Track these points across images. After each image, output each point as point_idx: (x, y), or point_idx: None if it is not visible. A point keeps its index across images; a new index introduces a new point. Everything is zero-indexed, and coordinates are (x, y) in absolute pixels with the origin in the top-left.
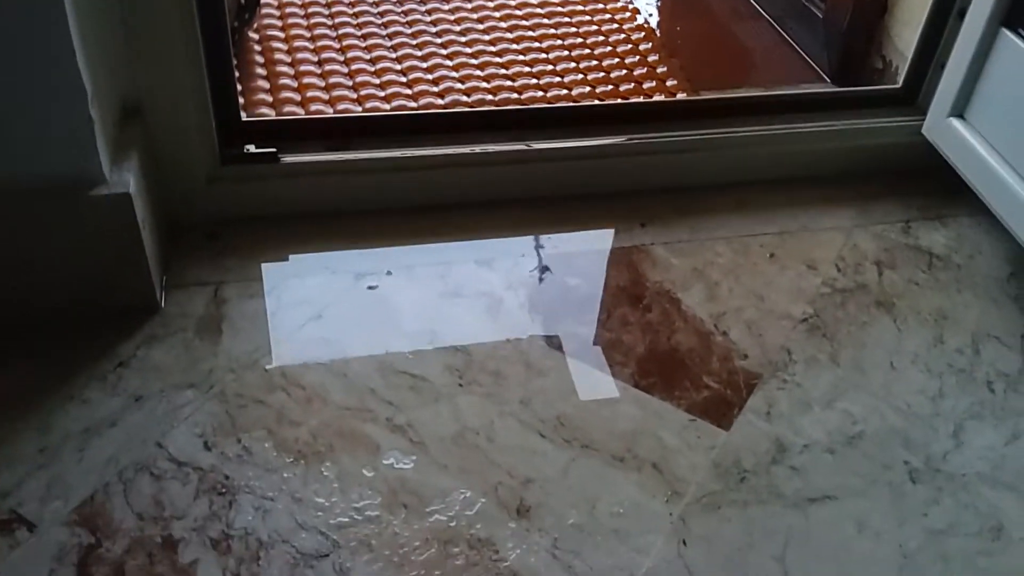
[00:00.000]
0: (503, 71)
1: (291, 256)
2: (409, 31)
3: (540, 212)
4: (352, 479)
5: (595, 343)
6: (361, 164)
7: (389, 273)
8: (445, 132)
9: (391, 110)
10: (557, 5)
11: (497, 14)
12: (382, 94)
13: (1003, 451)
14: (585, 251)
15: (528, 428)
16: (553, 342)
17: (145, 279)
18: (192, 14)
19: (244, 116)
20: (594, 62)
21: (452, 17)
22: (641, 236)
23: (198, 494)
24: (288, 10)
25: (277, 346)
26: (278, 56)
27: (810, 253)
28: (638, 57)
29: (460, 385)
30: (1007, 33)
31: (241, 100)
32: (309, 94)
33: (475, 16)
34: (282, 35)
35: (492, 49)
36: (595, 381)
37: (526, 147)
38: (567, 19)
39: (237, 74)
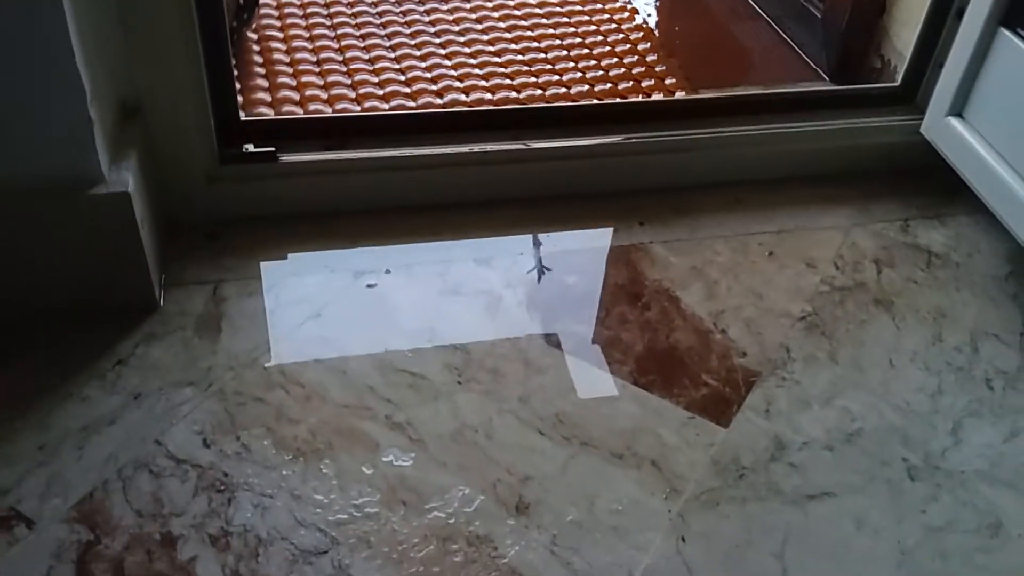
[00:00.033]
0: (501, 70)
1: (290, 255)
2: (407, 31)
3: (538, 211)
4: (351, 476)
5: (594, 341)
6: (360, 163)
7: (388, 272)
8: (444, 131)
9: (390, 109)
10: (555, 5)
11: (495, 14)
12: (380, 93)
13: (1001, 448)
14: (584, 249)
15: (527, 426)
16: (552, 340)
17: (144, 278)
18: (191, 14)
19: (243, 116)
20: (592, 61)
21: (450, 17)
22: (640, 234)
23: (197, 491)
24: (287, 10)
25: (276, 344)
26: (277, 56)
27: (809, 251)
28: (636, 56)
29: (459, 383)
30: (1005, 32)
31: (240, 100)
32: (308, 93)
33: (473, 16)
34: (281, 35)
35: (491, 49)
36: (594, 379)
37: (524, 146)
38: (565, 19)
39: (236, 74)
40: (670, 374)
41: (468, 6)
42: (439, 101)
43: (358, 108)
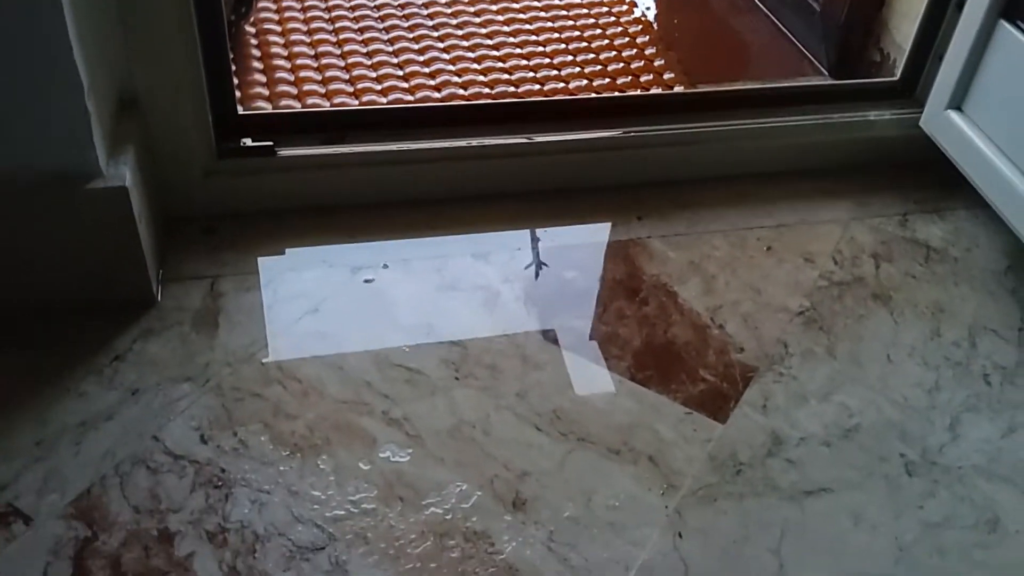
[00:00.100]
0: (500, 64)
1: (287, 250)
2: (406, 24)
3: (536, 205)
4: (348, 472)
5: (591, 337)
6: (357, 157)
7: (385, 267)
8: (442, 125)
9: (388, 103)
10: None
11: (494, 7)
12: (379, 87)
13: (999, 444)
14: (581, 244)
15: (524, 421)
16: (549, 336)
17: (141, 273)
18: (189, 8)
19: (240, 110)
20: (591, 55)
21: (449, 11)
22: (638, 229)
23: (194, 487)
24: (284, 3)
25: (273, 340)
26: (275, 50)
27: (807, 246)
28: (635, 50)
29: (456, 379)
30: (1006, 25)
31: (238, 94)
32: (305, 88)
33: (472, 9)
34: (278, 29)
35: (489, 43)
36: (591, 374)
37: (527, 140)
38: (564, 12)
39: (234, 68)
40: (667, 369)
41: (466, 0)
42: (437, 95)
43: (356, 102)
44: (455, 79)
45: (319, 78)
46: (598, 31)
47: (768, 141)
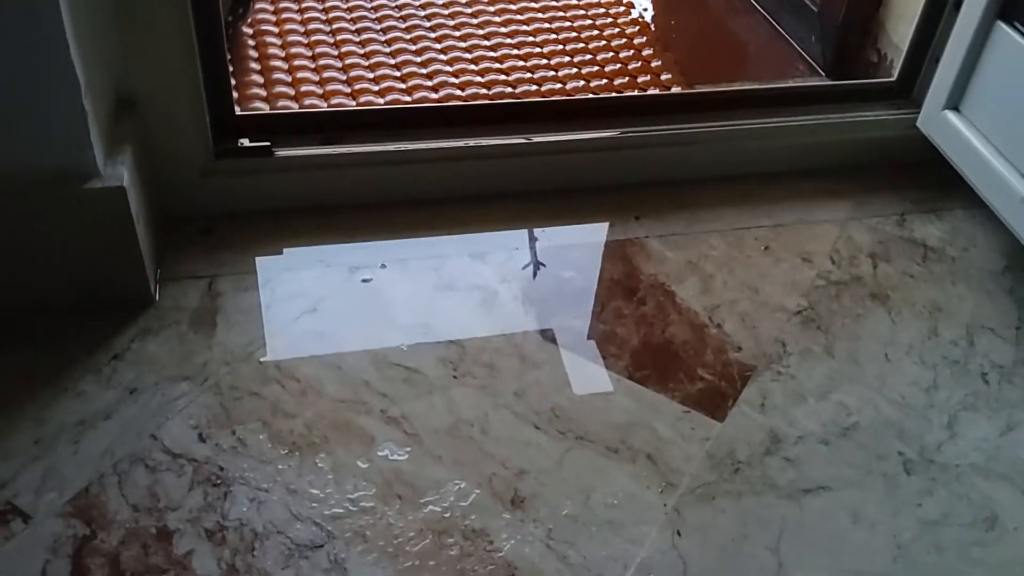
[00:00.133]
0: (497, 65)
1: (285, 249)
2: (403, 25)
3: (534, 205)
4: (347, 470)
5: (589, 336)
6: (355, 158)
7: (383, 266)
8: (439, 126)
9: (385, 104)
10: None
11: (491, 8)
12: (376, 88)
13: (997, 442)
14: (579, 244)
15: (522, 420)
16: (547, 335)
17: (139, 272)
18: (186, 8)
19: (238, 110)
20: (588, 56)
21: (447, 11)
22: (635, 229)
23: (193, 485)
24: (282, 4)
25: (271, 339)
26: (272, 50)
27: (805, 246)
28: (632, 51)
29: (454, 377)
30: (1002, 26)
31: (235, 94)
32: (303, 88)
33: (469, 10)
34: (276, 29)
35: (487, 43)
36: (589, 373)
37: (525, 140)
38: (562, 13)
39: (231, 68)
40: (665, 368)
41: (463, 0)
42: (435, 95)
43: (354, 102)
44: (452, 80)
45: (316, 79)
46: (595, 32)
47: (765, 141)
